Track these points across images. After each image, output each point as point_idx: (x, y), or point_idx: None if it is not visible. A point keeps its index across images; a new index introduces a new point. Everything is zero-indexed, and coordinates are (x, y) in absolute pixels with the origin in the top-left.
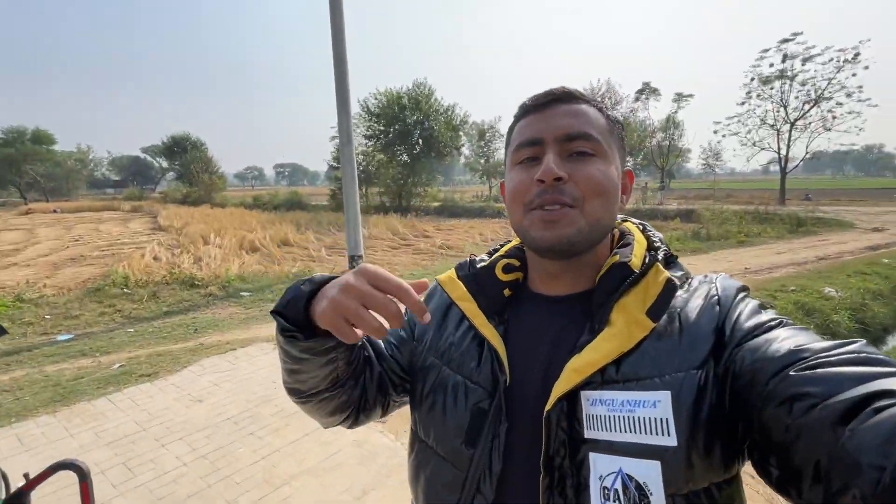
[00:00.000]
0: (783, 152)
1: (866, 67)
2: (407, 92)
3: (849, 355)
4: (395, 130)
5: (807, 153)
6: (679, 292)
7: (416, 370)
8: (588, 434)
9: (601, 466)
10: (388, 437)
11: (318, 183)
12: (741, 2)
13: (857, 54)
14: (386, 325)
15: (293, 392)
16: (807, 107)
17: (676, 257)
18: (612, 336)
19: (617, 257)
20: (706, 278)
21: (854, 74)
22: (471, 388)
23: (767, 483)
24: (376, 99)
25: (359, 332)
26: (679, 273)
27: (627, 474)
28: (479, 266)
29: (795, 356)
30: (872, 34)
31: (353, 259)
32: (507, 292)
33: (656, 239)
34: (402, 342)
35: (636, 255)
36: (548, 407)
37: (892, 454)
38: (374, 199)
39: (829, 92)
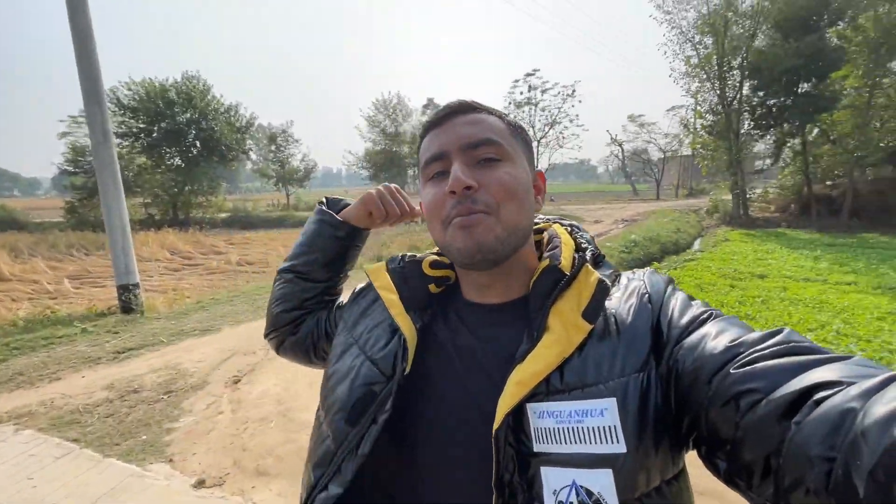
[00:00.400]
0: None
1: (580, 101)
2: (175, 85)
3: (779, 346)
4: (162, 129)
5: (549, 165)
6: (612, 291)
7: (333, 344)
8: (538, 448)
9: (553, 480)
10: None
11: (39, 194)
12: (505, 40)
13: (573, 91)
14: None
15: (285, 270)
16: (546, 128)
17: (604, 256)
18: (551, 342)
19: (547, 261)
20: (634, 275)
21: (573, 105)
22: (370, 368)
23: (715, 475)
24: (130, 90)
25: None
26: (608, 272)
27: (581, 486)
28: (407, 259)
29: (732, 352)
30: (582, 76)
31: (127, 289)
32: (433, 288)
33: (584, 240)
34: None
35: (565, 258)
36: (496, 426)
37: (838, 445)
38: (138, 211)
39: (559, 117)
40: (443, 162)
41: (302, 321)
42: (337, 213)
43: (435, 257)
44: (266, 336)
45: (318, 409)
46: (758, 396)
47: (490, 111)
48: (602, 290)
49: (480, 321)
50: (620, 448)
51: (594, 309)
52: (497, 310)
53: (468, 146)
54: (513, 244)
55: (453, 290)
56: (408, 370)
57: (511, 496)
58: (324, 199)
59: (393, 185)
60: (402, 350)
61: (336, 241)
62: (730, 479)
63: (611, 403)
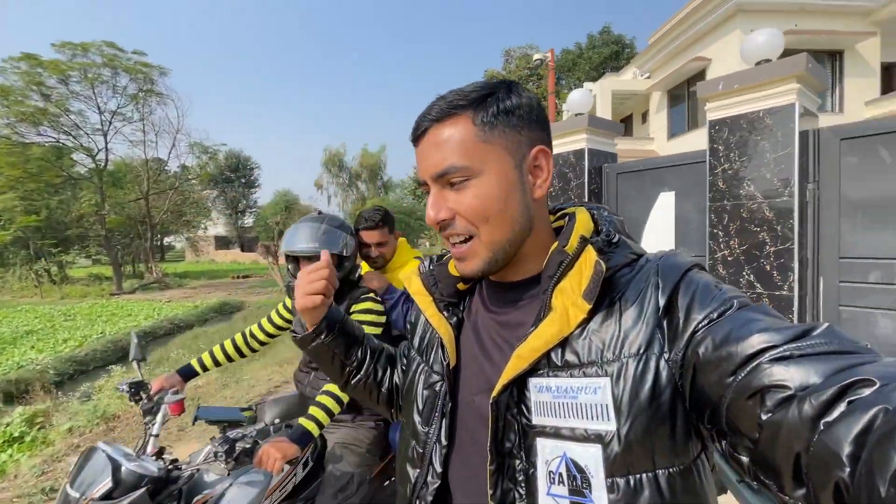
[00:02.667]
0: None
1: None
2: None
3: (821, 346)
4: None
5: None
6: (625, 273)
7: (406, 366)
8: (536, 420)
9: (548, 451)
10: None
11: None
12: None
13: None
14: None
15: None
16: None
17: (620, 238)
18: (552, 321)
19: (556, 244)
20: (653, 257)
21: None
22: (429, 373)
23: (739, 471)
24: None
25: (313, 299)
26: (625, 253)
27: (571, 459)
28: (436, 262)
29: (764, 344)
30: None
31: None
32: (461, 286)
33: (604, 221)
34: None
35: (572, 240)
36: (494, 394)
37: (867, 445)
38: None
39: None
40: (424, 186)
41: (388, 394)
42: (301, 334)
43: None
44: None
45: (402, 420)
46: (787, 393)
47: (462, 109)
48: (597, 272)
49: (500, 300)
50: (610, 426)
51: (592, 289)
52: (513, 287)
53: (437, 175)
54: (504, 255)
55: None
56: (452, 363)
57: (509, 464)
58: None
59: (306, 271)
60: (442, 347)
61: (330, 345)
62: (756, 476)
63: (605, 382)
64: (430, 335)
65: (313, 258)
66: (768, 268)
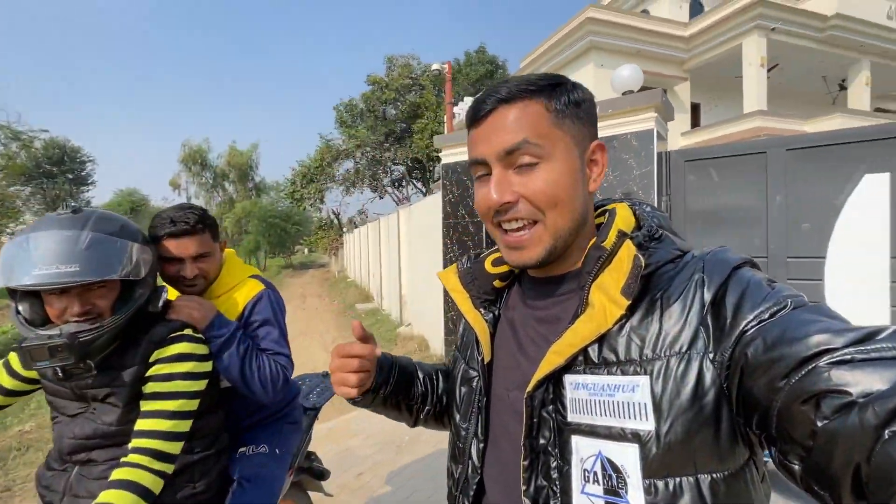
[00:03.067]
0: None
1: None
2: None
3: (888, 350)
4: None
5: None
6: (668, 269)
7: (453, 367)
8: (571, 417)
9: (583, 449)
10: None
11: None
12: None
13: None
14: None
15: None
16: None
17: (663, 234)
18: (590, 317)
19: (594, 239)
20: (700, 254)
21: None
22: (467, 370)
23: (790, 480)
24: None
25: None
26: (669, 249)
27: (606, 457)
28: (473, 260)
29: (822, 346)
30: None
31: None
32: (497, 283)
33: (646, 216)
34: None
35: (611, 235)
36: (529, 389)
37: None
38: None
39: None
40: (484, 167)
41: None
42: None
43: (496, 255)
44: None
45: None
46: (847, 399)
47: (533, 94)
48: (636, 266)
49: (538, 295)
50: (648, 426)
51: (631, 285)
52: (554, 282)
53: (504, 153)
54: (563, 245)
55: (515, 272)
56: (486, 359)
57: (544, 461)
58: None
59: (339, 353)
60: (477, 343)
61: (389, 398)
62: (809, 486)
63: (644, 381)
64: (467, 333)
65: (73, 292)
66: None
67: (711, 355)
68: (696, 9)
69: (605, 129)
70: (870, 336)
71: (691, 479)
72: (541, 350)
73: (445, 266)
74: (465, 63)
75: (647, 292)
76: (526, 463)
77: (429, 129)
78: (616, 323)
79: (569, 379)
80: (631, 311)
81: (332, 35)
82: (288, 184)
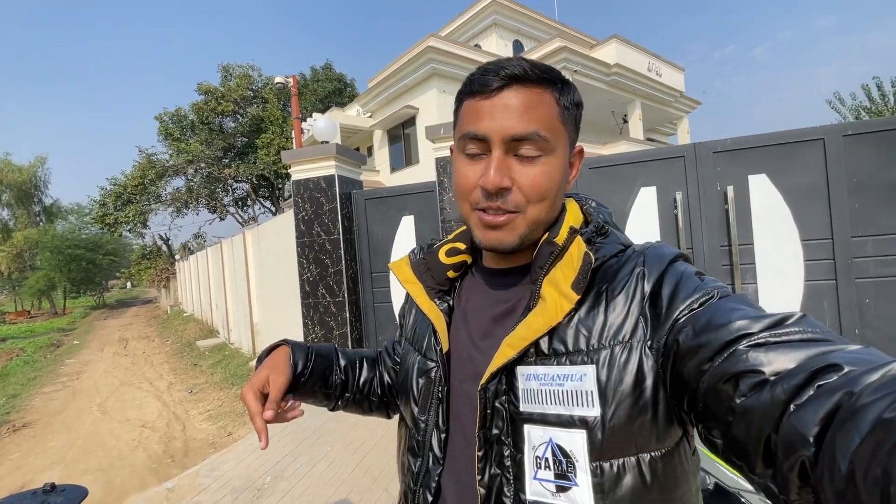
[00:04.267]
0: None
1: None
2: None
3: (795, 333)
4: None
5: None
6: (612, 263)
7: (401, 359)
8: (524, 407)
9: (535, 437)
10: None
11: None
12: None
13: None
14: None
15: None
16: None
17: (608, 229)
18: (542, 311)
19: (547, 235)
20: (640, 247)
21: None
22: (423, 361)
23: (714, 453)
24: None
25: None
26: (614, 244)
27: (557, 444)
28: (426, 251)
29: (742, 331)
30: None
31: None
32: (451, 273)
33: (592, 212)
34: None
35: (562, 231)
36: (482, 381)
37: (831, 426)
38: None
39: None
40: (481, 144)
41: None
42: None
43: (450, 245)
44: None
45: (400, 413)
46: (760, 378)
47: (548, 84)
48: (586, 263)
49: (492, 286)
50: (594, 412)
51: (580, 281)
52: (507, 273)
53: (513, 138)
54: (533, 237)
55: (469, 263)
56: (445, 349)
57: (497, 450)
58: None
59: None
60: (434, 333)
61: (306, 388)
62: (728, 458)
63: (590, 370)
64: (421, 324)
65: None
66: None
67: (649, 343)
68: (517, 48)
69: (445, 150)
70: (781, 321)
71: (633, 458)
72: (493, 342)
73: (302, 288)
74: (311, 78)
75: (593, 285)
76: (480, 454)
77: (275, 145)
78: (565, 316)
79: (521, 370)
80: (579, 303)
81: (154, 39)
82: (96, 206)
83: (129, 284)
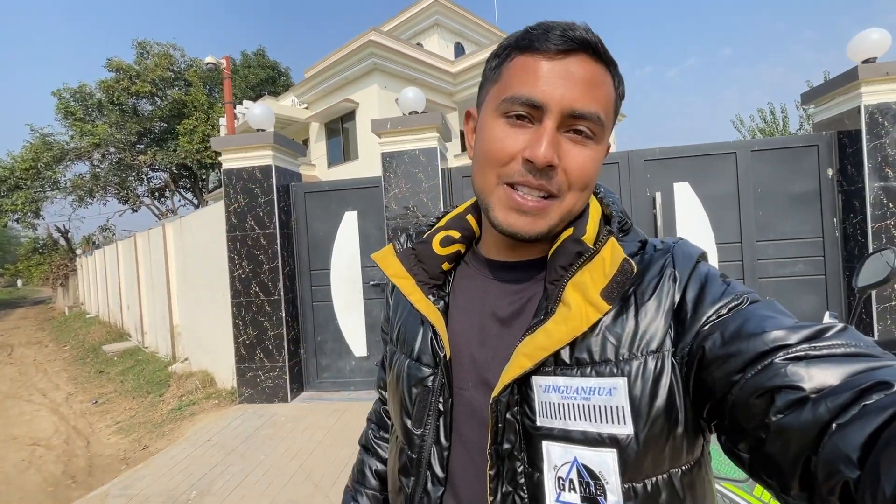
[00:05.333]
0: None
1: None
2: None
3: (837, 347)
4: None
5: None
6: (636, 261)
7: (388, 366)
8: (541, 422)
9: (555, 456)
10: None
11: None
12: None
13: None
14: None
15: None
16: None
17: (630, 225)
18: (565, 318)
19: (571, 231)
20: (663, 245)
21: None
22: (416, 366)
23: (739, 466)
24: None
25: None
26: (636, 241)
27: (583, 464)
28: (415, 240)
29: (778, 342)
30: None
31: None
32: (445, 266)
33: (612, 206)
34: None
35: (591, 228)
36: (495, 393)
37: (877, 447)
38: None
39: None
40: (533, 111)
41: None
42: None
43: (444, 233)
44: None
45: (391, 425)
46: (800, 395)
47: (609, 66)
48: (625, 272)
49: (496, 281)
50: (627, 429)
51: (614, 290)
52: (517, 268)
53: (572, 114)
54: (561, 227)
55: (463, 252)
56: (448, 355)
57: (510, 467)
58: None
59: None
60: (435, 336)
61: None
62: (756, 473)
63: (621, 383)
64: (410, 323)
65: None
66: None
67: (673, 350)
68: (458, 50)
69: (396, 144)
70: (820, 333)
71: (666, 475)
72: (499, 345)
73: (233, 286)
74: (241, 64)
75: (619, 295)
76: (493, 472)
77: (199, 132)
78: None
79: (537, 381)
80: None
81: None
82: None
83: (20, 283)
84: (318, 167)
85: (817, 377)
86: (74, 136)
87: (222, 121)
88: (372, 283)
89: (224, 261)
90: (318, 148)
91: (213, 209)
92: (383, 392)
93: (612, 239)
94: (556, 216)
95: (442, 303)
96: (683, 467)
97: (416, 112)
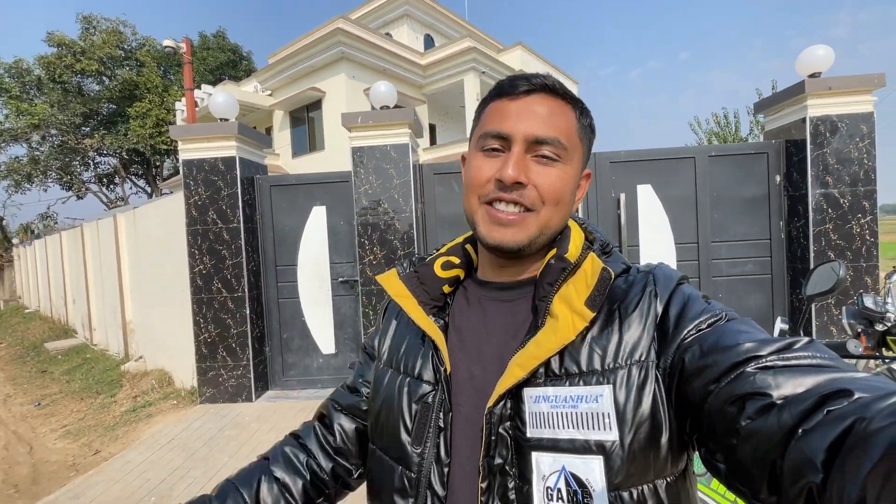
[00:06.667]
0: None
1: None
2: None
3: (804, 358)
4: None
5: None
6: (619, 282)
7: (373, 388)
8: (531, 433)
9: (544, 466)
10: None
11: None
12: None
13: None
14: None
15: None
16: None
17: (614, 248)
18: (554, 329)
19: (555, 250)
20: (646, 267)
21: None
22: (416, 384)
23: (716, 477)
24: None
25: None
26: (619, 263)
27: (571, 472)
28: (418, 264)
29: (750, 353)
30: None
31: None
32: (446, 288)
33: (595, 233)
34: (362, 385)
35: (573, 247)
36: (489, 404)
37: (842, 451)
38: None
39: None
40: (503, 142)
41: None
42: None
43: (444, 258)
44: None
45: (371, 449)
46: (767, 401)
47: (571, 101)
48: (605, 279)
49: (491, 301)
50: (612, 435)
51: (596, 297)
52: (509, 287)
53: (534, 140)
54: (541, 243)
55: (467, 270)
56: (449, 370)
57: (501, 482)
58: None
59: None
60: (436, 352)
61: None
62: (730, 482)
63: (606, 390)
64: (410, 343)
65: None
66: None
67: (656, 362)
68: (428, 42)
69: (366, 139)
70: (789, 346)
71: (651, 485)
72: (495, 361)
73: (193, 282)
74: (199, 46)
75: (604, 304)
76: (484, 485)
77: (152, 116)
78: (578, 334)
79: (528, 392)
80: (592, 322)
81: None
82: None
83: None
84: (282, 157)
85: (785, 385)
86: (9, 116)
87: (179, 105)
88: (341, 279)
89: (183, 255)
90: (283, 137)
91: (171, 200)
92: (356, 415)
93: (591, 253)
94: (535, 228)
95: (442, 322)
96: (668, 479)
97: (388, 107)
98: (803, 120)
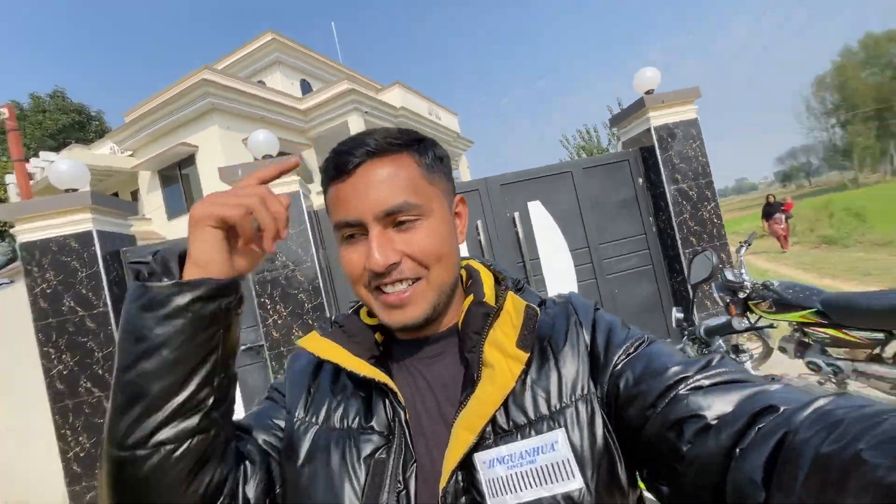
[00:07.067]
0: None
1: None
2: None
3: (723, 374)
4: None
5: None
6: (543, 317)
7: (287, 446)
8: (492, 502)
9: None
10: None
11: None
12: None
13: None
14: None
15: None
16: None
17: (524, 284)
18: (492, 379)
19: (472, 297)
20: (560, 298)
21: None
22: (362, 438)
23: (657, 497)
24: None
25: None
26: (534, 297)
27: None
28: (341, 319)
29: (679, 376)
30: None
31: None
32: (378, 336)
33: (503, 272)
34: (273, 428)
35: (488, 290)
36: (442, 484)
37: (777, 466)
38: None
39: None
40: (356, 227)
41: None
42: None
43: (366, 308)
44: None
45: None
46: (703, 423)
47: (403, 148)
48: (530, 317)
49: (416, 358)
50: (577, 483)
51: (527, 337)
52: (430, 342)
53: (385, 213)
54: (445, 300)
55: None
56: (406, 416)
57: None
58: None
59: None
60: (390, 396)
61: (234, 317)
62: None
63: (560, 435)
64: (348, 393)
65: None
66: (311, 322)
67: (596, 392)
68: (305, 87)
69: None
70: (709, 364)
71: None
72: (436, 423)
73: (51, 387)
74: (32, 108)
75: (533, 342)
76: None
77: None
78: (517, 379)
79: (479, 458)
80: (527, 363)
81: None
82: None
83: None
84: (155, 220)
85: (715, 405)
86: None
87: (9, 178)
88: (243, 347)
89: (35, 356)
90: (153, 199)
91: (7, 294)
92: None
93: (511, 293)
94: (431, 294)
95: (383, 370)
96: None
97: (271, 156)
98: (648, 130)
